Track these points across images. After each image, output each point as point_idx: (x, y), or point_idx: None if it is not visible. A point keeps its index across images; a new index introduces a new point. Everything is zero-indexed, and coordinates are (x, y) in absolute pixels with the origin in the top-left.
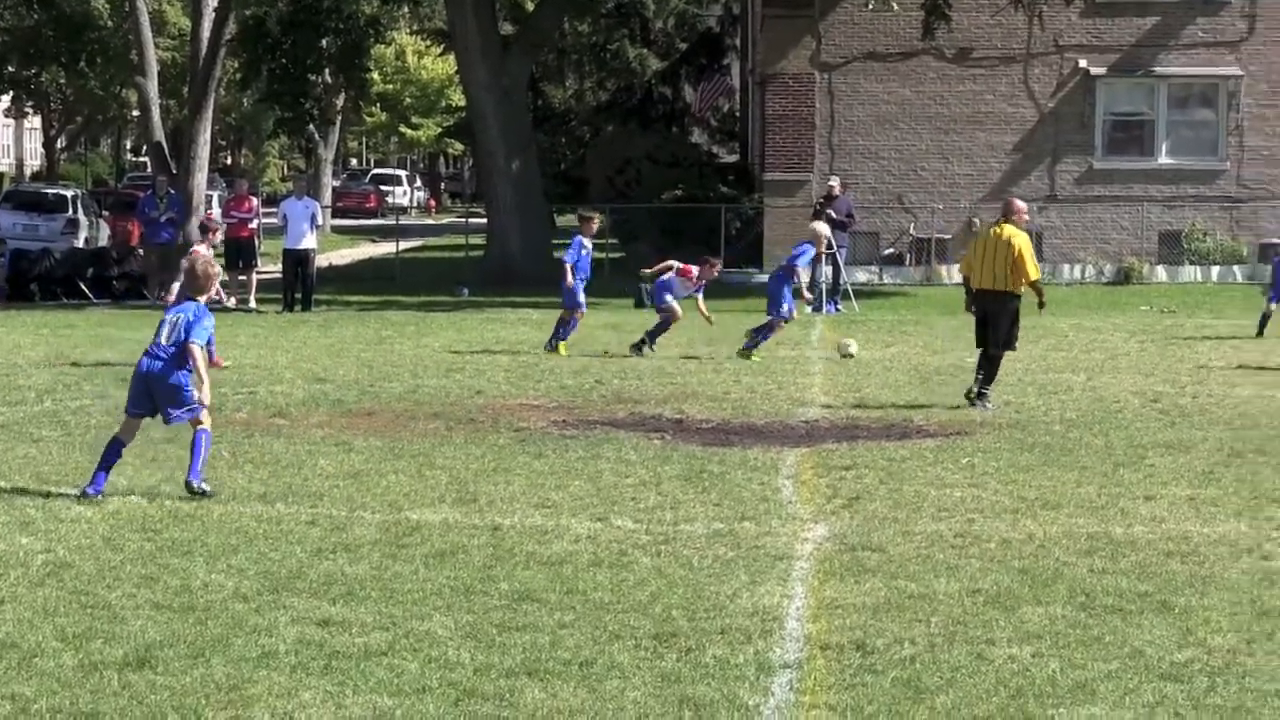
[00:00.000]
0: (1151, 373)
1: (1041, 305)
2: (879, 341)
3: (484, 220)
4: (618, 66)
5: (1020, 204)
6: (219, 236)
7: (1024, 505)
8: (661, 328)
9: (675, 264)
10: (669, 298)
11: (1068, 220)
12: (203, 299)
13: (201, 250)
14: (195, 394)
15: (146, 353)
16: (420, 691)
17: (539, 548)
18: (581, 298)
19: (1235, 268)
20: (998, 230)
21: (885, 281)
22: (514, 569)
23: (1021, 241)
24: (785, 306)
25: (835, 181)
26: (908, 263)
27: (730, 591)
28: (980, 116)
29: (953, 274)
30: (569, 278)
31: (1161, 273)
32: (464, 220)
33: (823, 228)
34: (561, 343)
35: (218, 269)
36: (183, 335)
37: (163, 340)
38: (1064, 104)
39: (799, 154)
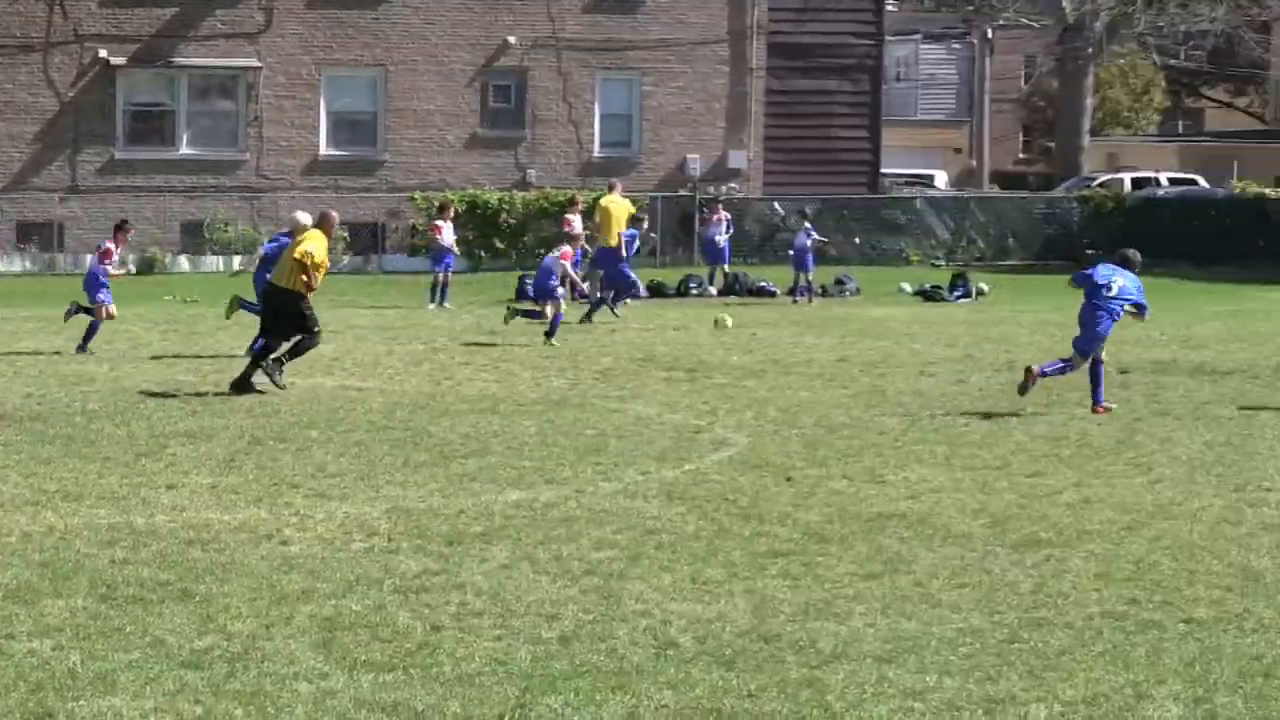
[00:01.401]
0: (175, 364)
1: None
2: None
3: None
4: None
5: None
6: None
7: (45, 498)
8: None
9: None
10: None
11: (90, 211)
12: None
13: None
14: None
15: None
16: None
17: None
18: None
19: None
20: (299, 238)
21: None
22: None
23: (313, 247)
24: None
25: None
26: None
27: None
28: (0, 106)
29: None
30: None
31: (184, 263)
32: None
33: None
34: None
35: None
36: None
37: None
38: (84, 94)
39: None
